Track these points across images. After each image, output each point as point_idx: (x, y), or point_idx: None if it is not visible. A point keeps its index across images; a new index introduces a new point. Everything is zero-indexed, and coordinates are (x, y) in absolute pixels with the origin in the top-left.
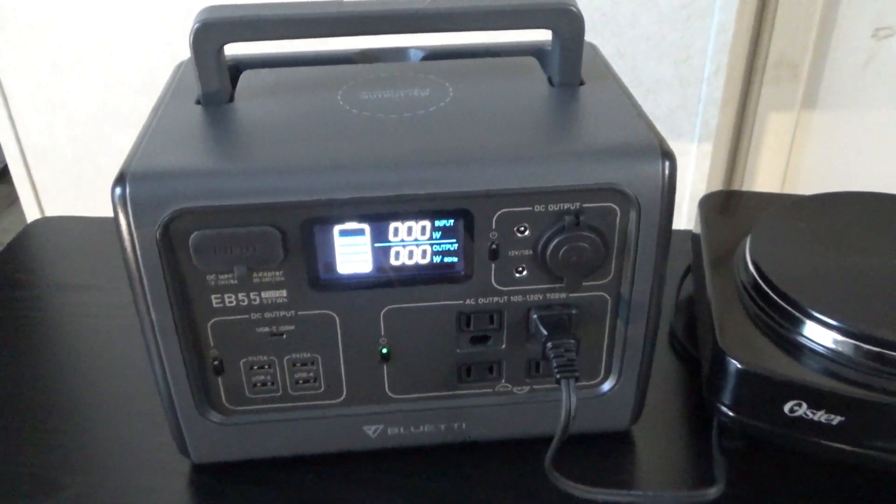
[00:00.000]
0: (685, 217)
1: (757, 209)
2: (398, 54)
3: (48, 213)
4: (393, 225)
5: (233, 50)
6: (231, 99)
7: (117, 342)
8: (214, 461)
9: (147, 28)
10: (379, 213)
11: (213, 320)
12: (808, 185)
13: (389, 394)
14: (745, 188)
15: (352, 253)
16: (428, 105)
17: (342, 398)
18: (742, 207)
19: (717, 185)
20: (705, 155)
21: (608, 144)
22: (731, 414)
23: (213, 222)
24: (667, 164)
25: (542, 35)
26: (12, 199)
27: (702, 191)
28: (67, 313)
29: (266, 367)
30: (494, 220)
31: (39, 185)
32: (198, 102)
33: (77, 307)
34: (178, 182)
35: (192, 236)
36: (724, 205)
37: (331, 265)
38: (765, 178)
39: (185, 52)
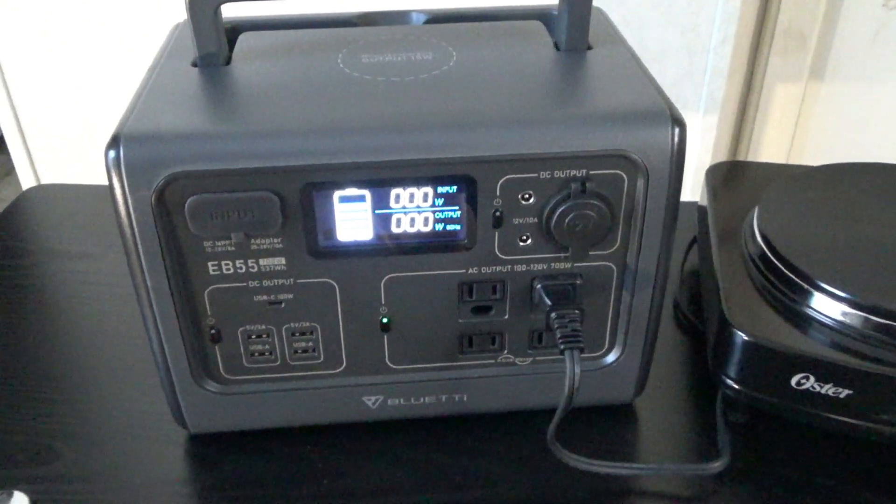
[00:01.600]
0: (689, 188)
1: (764, 180)
2: (400, 17)
3: (44, 182)
4: (394, 191)
5: (231, 13)
6: (228, 61)
7: (114, 310)
8: (212, 431)
9: None
10: (380, 179)
11: (210, 288)
12: (814, 157)
13: (390, 364)
14: (750, 160)
15: (352, 220)
16: (431, 69)
17: (342, 368)
18: (749, 179)
19: (723, 157)
20: (711, 126)
21: (616, 110)
22: (736, 387)
23: (209, 187)
24: (676, 130)
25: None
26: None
27: (707, 162)
28: (63, 281)
29: (264, 336)
30: (498, 186)
31: (35, 153)
32: (194, 65)
33: (73, 275)
34: (174, 145)
35: (189, 201)
36: (731, 176)
37: (330, 232)
38: (771, 149)
39: (182, 14)
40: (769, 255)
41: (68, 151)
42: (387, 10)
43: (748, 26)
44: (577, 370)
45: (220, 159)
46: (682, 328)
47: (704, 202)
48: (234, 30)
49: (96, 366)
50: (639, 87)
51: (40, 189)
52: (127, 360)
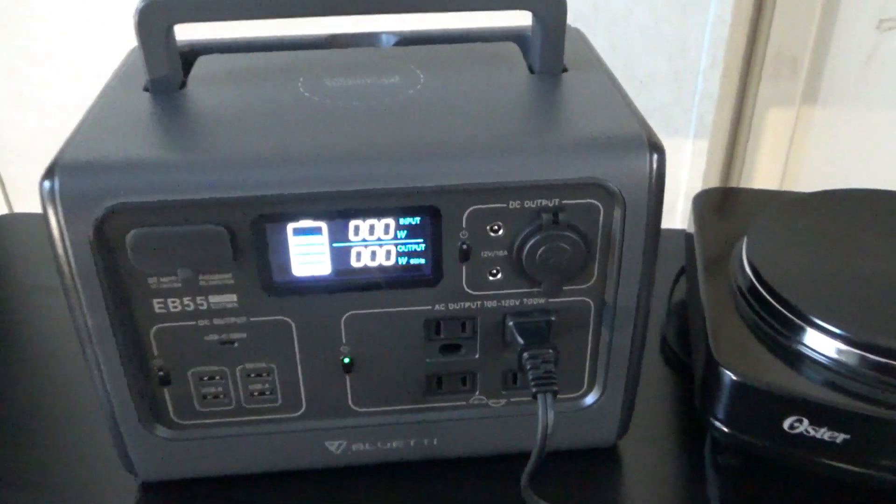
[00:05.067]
0: (679, 217)
1: (754, 207)
2: (368, 39)
3: (17, 210)
4: (353, 223)
5: (188, 34)
6: (183, 86)
7: (76, 348)
8: (163, 479)
9: (120, 17)
10: (337, 210)
11: (156, 327)
12: (808, 183)
13: (353, 407)
14: (742, 186)
15: (308, 253)
16: (396, 93)
17: (301, 412)
18: (738, 205)
19: (714, 184)
20: (701, 152)
21: (590, 135)
22: (725, 430)
23: (152, 219)
24: (654, 157)
25: (525, 20)
26: None
27: (697, 189)
28: (28, 317)
29: (217, 377)
30: (465, 217)
31: (8, 181)
32: (146, 89)
33: (39, 310)
34: (114, 175)
35: (130, 235)
36: (720, 203)
37: (285, 267)
38: (763, 176)
39: None
40: (759, 287)
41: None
42: (355, 32)
43: (738, 50)
44: (551, 415)
45: (165, 190)
46: (669, 363)
47: (692, 230)
48: (192, 52)
49: (53, 406)
50: (615, 112)
51: (12, 218)
52: (84, 401)
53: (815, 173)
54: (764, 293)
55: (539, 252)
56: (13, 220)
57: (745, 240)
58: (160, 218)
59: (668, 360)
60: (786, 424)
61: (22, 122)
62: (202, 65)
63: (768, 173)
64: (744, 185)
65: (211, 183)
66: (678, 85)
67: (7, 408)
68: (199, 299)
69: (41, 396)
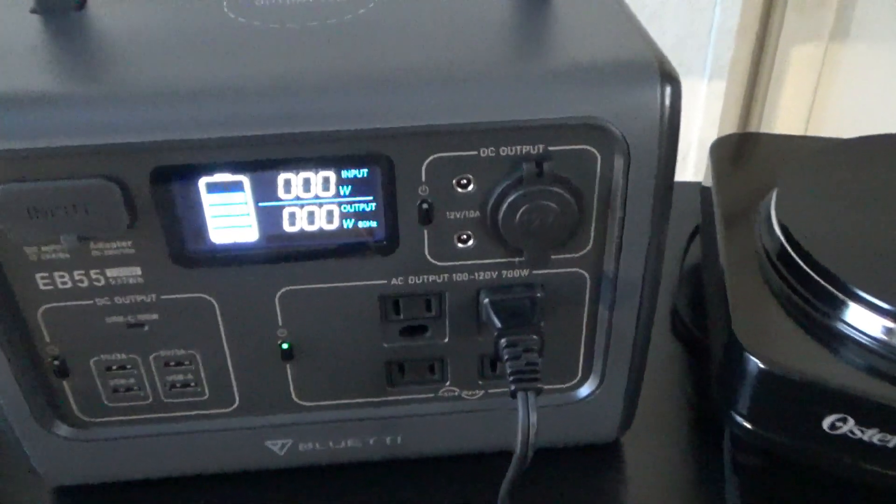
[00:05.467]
0: (692, 169)
1: (782, 157)
2: None
3: None
4: (283, 176)
5: None
6: (82, 6)
7: None
8: (74, 483)
9: None
10: (261, 160)
11: (43, 307)
12: (835, 128)
13: (297, 401)
14: (763, 130)
15: (228, 215)
16: (342, 13)
17: (234, 407)
18: (763, 155)
19: (731, 130)
20: (717, 94)
21: (585, 62)
22: (748, 426)
23: (22, 173)
24: (668, 90)
25: None
26: None
27: (712, 137)
28: None
29: (127, 367)
30: (424, 168)
31: None
32: (34, 11)
33: None
34: None
35: None
36: (741, 151)
37: (200, 233)
38: (786, 120)
39: None
40: (791, 253)
41: None
42: None
43: None
44: (534, 418)
45: (38, 134)
46: (681, 339)
47: (709, 183)
48: None
49: None
50: (617, 33)
51: None
52: None
53: (842, 118)
54: (798, 260)
55: (520, 212)
56: None
57: (774, 194)
58: (32, 170)
59: (679, 335)
60: (825, 424)
61: None
62: None
63: (792, 117)
64: (764, 129)
65: (97, 124)
66: (692, 17)
67: None
68: (93, 273)
69: None
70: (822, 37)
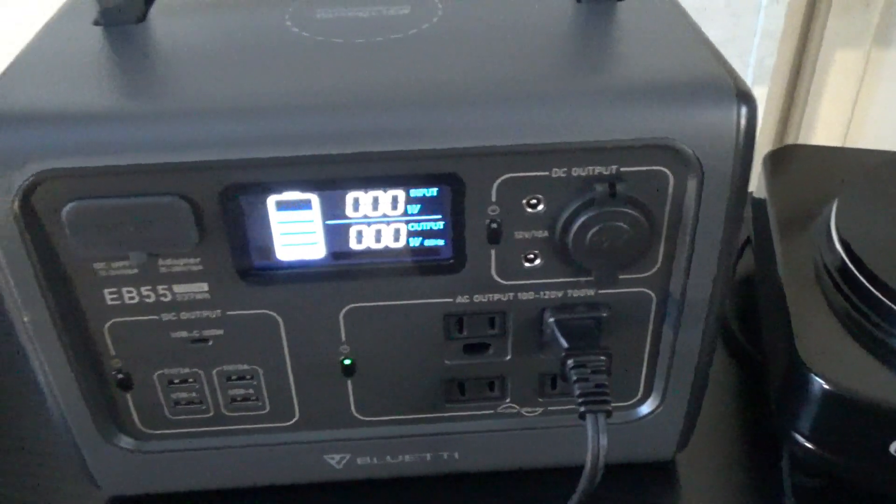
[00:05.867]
0: None
1: (838, 169)
2: None
3: None
4: (352, 195)
5: None
6: (143, 18)
7: None
8: (132, 493)
9: None
10: (331, 179)
11: (110, 322)
12: (877, 138)
13: (357, 416)
14: (801, 139)
15: (296, 233)
16: (407, 27)
17: (294, 421)
18: (818, 167)
19: (769, 136)
20: (759, 99)
21: (659, 81)
22: (809, 446)
23: (95, 189)
24: (744, 110)
25: None
26: None
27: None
28: None
29: (189, 381)
30: (495, 188)
31: None
32: (97, 23)
33: None
34: (45, 130)
35: (66, 209)
36: (796, 163)
37: (268, 250)
38: (825, 127)
39: None
40: (852, 268)
41: None
42: None
43: None
44: (604, 440)
45: (109, 151)
46: (731, 353)
47: (761, 194)
48: None
49: (14, 401)
50: (690, 51)
51: None
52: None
53: (885, 126)
54: (859, 275)
55: (590, 233)
56: None
57: (833, 208)
58: (105, 187)
59: (729, 348)
60: (893, 447)
61: None
62: None
63: (831, 124)
64: (802, 136)
65: (169, 142)
66: (735, 21)
67: None
68: (160, 289)
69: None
70: (864, 41)
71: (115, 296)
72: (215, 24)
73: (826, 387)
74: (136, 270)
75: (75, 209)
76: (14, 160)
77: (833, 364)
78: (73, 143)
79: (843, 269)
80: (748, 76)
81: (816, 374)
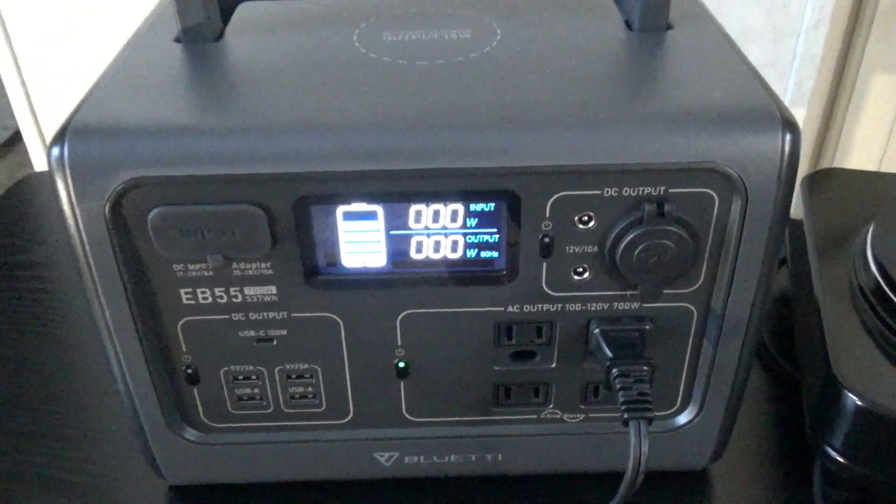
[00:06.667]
0: None
1: (875, 193)
2: None
3: None
4: (414, 208)
5: None
6: (220, 36)
7: None
8: (193, 483)
9: None
10: (396, 192)
11: (184, 320)
12: None
13: (407, 416)
14: (837, 162)
15: (360, 241)
16: (468, 50)
17: (348, 419)
18: (855, 190)
19: (806, 158)
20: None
21: (707, 108)
22: (842, 461)
23: (178, 197)
24: (788, 137)
25: None
26: (24, 161)
27: None
28: (66, 287)
29: (253, 378)
30: (549, 205)
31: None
32: (177, 40)
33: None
34: (134, 142)
35: (152, 214)
36: (834, 186)
37: (333, 257)
38: (861, 150)
39: None
40: (886, 289)
41: None
42: None
43: (844, 7)
44: (645, 446)
45: (193, 162)
46: (766, 368)
47: (798, 216)
48: None
49: (82, 394)
50: (736, 79)
51: (40, 176)
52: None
53: None
54: (893, 297)
55: (638, 250)
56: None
57: (870, 231)
58: (186, 195)
59: (765, 364)
60: None
61: (64, 74)
62: (244, 12)
63: (868, 148)
64: (839, 158)
65: (247, 155)
66: (776, 45)
67: (29, 392)
68: (232, 290)
69: (70, 382)
70: None
71: (190, 296)
72: (287, 43)
73: (859, 403)
74: (211, 273)
75: (160, 214)
76: (107, 169)
77: (866, 381)
78: (160, 154)
79: (878, 290)
80: (787, 98)
81: (850, 391)
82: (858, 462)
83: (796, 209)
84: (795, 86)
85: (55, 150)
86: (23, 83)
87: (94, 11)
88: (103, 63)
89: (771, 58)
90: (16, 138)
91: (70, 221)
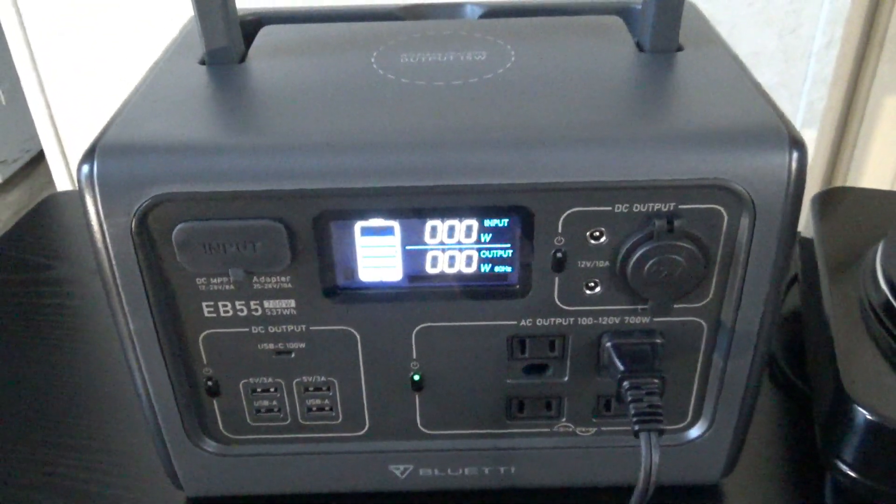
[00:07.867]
0: None
1: (885, 211)
2: (452, 10)
3: None
4: (430, 223)
5: (255, 2)
6: (243, 59)
7: None
8: (211, 495)
9: None
10: (412, 208)
11: (205, 332)
12: None
13: (422, 429)
14: (849, 181)
15: (377, 256)
16: (483, 72)
17: (364, 431)
18: (865, 209)
19: (818, 179)
20: (808, 142)
21: (715, 126)
22: (853, 475)
23: (202, 213)
24: (795, 155)
25: None
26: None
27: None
28: (83, 297)
29: (271, 390)
30: (561, 221)
31: (73, 163)
32: (202, 62)
33: (90, 292)
34: (160, 160)
35: (176, 229)
36: (844, 205)
37: (351, 271)
38: (873, 170)
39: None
40: (895, 305)
41: None
42: (437, 1)
43: (856, 29)
44: (656, 457)
45: (216, 179)
46: (777, 384)
47: (809, 234)
48: (256, 22)
49: (102, 404)
50: (745, 99)
51: (62, 196)
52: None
53: None
54: None
55: (648, 265)
56: (63, 197)
57: (880, 249)
58: (210, 211)
59: (776, 380)
60: None
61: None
62: (266, 35)
63: (879, 168)
64: (851, 178)
65: (269, 172)
66: (787, 66)
67: (49, 401)
68: (253, 304)
69: (89, 392)
70: None
71: (211, 309)
72: (308, 65)
73: (870, 418)
74: (232, 286)
75: (184, 229)
76: (135, 185)
77: (877, 396)
78: (185, 171)
79: (888, 307)
80: (798, 119)
81: (861, 406)
82: (869, 477)
83: (807, 227)
84: (807, 106)
85: (85, 168)
86: (47, 105)
87: (120, 41)
88: (125, 89)
89: (783, 79)
90: (34, 162)
91: (97, 236)
